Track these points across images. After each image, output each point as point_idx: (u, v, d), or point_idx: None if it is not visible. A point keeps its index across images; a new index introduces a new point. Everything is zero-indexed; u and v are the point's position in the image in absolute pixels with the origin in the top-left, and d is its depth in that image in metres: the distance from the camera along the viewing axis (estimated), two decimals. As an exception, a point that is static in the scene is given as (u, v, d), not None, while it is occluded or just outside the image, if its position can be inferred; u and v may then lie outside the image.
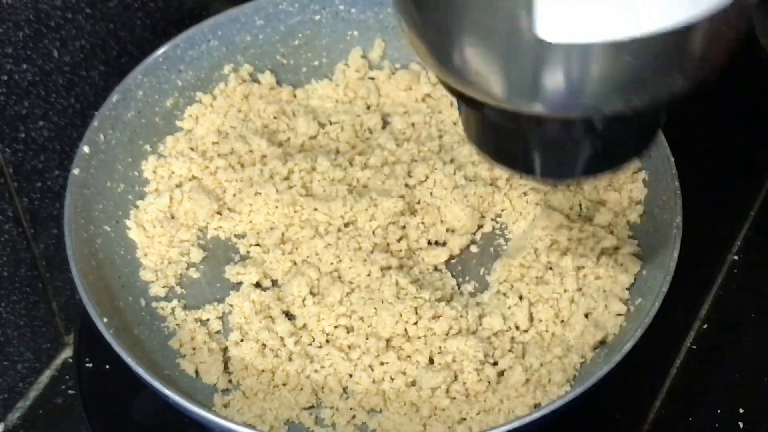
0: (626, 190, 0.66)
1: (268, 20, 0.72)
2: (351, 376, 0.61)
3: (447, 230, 0.67)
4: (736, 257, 0.74)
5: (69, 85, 0.67)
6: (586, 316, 0.62)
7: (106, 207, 0.66)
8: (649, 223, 0.64)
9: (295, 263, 0.65)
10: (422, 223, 0.67)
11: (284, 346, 0.62)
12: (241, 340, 0.62)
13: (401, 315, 0.61)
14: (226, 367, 0.62)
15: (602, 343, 0.61)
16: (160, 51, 0.69)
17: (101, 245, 0.64)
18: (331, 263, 0.65)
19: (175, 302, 0.64)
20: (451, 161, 0.69)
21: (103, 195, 0.66)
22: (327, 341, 0.62)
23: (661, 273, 0.58)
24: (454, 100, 0.70)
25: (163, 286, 0.65)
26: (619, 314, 0.61)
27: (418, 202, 0.68)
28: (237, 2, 0.71)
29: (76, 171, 0.63)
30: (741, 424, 0.66)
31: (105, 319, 0.57)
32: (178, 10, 0.76)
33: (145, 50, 0.70)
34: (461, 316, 0.62)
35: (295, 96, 0.74)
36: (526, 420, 0.53)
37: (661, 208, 0.63)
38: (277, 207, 0.67)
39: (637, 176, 0.66)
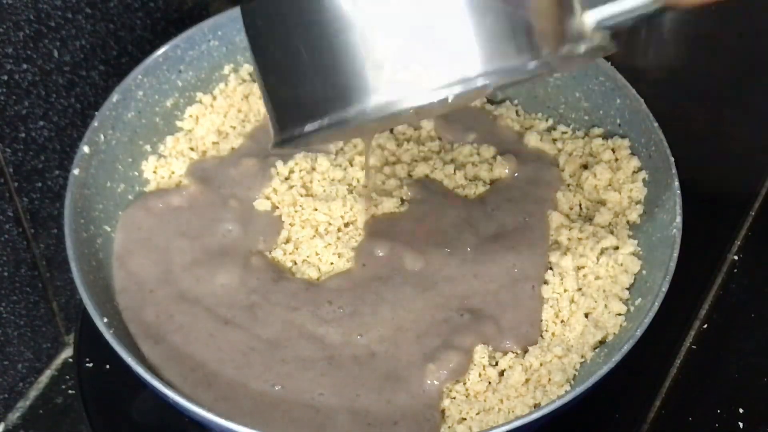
0: (626, 190, 0.66)
1: (269, 20, 0.72)
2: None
3: (447, 230, 0.67)
4: (735, 257, 0.74)
5: (69, 85, 0.67)
6: (586, 316, 0.62)
7: (107, 207, 0.66)
8: (649, 223, 0.64)
9: (296, 263, 0.65)
10: (422, 223, 0.67)
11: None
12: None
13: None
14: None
15: (602, 343, 0.61)
16: (160, 51, 0.69)
17: (101, 245, 0.64)
18: (331, 263, 0.65)
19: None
20: (451, 161, 0.69)
21: (104, 195, 0.66)
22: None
23: (661, 273, 0.59)
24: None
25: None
26: (619, 314, 0.61)
27: (418, 202, 0.68)
28: (237, 2, 0.71)
29: (76, 171, 0.63)
30: (741, 424, 0.66)
31: (105, 319, 0.57)
32: (178, 10, 0.76)
33: (145, 50, 0.70)
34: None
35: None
36: (526, 420, 0.53)
37: (661, 208, 0.63)
38: (277, 207, 0.67)
39: (637, 176, 0.66)
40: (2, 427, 0.70)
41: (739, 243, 0.75)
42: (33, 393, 0.72)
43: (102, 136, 0.65)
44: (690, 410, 0.67)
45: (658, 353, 0.69)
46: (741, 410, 0.66)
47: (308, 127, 0.43)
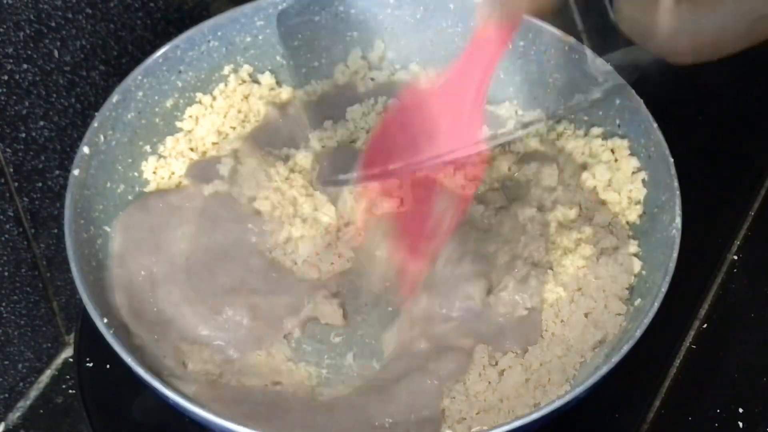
0: (626, 190, 0.66)
1: (268, 21, 0.72)
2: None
3: (447, 230, 0.67)
4: (735, 257, 0.74)
5: (69, 86, 0.67)
6: (586, 316, 0.62)
7: (107, 207, 0.66)
8: (649, 223, 0.64)
9: (296, 263, 0.65)
10: (422, 223, 0.67)
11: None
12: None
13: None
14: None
15: (602, 343, 0.61)
16: (160, 52, 0.69)
17: (101, 245, 0.64)
18: (331, 263, 0.65)
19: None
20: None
21: (104, 195, 0.66)
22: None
23: (660, 273, 0.59)
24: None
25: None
26: (619, 314, 0.61)
27: (418, 203, 0.68)
28: (237, 3, 0.71)
29: (76, 171, 0.63)
30: (741, 424, 0.66)
31: (105, 319, 0.57)
32: (178, 11, 0.76)
33: (145, 50, 0.70)
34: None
35: (295, 96, 0.74)
36: (526, 420, 0.53)
37: (661, 208, 0.63)
38: (277, 207, 0.67)
39: (636, 176, 0.66)
40: (3, 427, 0.70)
41: (738, 243, 0.75)
42: (33, 393, 0.72)
43: (102, 137, 0.65)
44: (690, 410, 0.67)
45: (658, 353, 0.69)
46: (741, 410, 0.66)
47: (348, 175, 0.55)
